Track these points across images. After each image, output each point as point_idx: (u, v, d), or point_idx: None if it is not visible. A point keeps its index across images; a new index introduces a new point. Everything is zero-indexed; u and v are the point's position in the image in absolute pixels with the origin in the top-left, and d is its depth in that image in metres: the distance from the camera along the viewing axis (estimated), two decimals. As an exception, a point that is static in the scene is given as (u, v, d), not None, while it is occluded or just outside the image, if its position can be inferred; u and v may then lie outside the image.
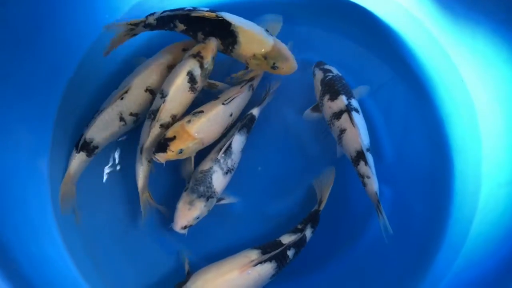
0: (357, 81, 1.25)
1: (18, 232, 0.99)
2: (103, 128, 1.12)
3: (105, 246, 1.15)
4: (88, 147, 1.11)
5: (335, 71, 1.20)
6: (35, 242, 1.04)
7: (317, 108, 1.19)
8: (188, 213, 1.06)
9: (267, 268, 1.02)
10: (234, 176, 1.16)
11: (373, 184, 1.06)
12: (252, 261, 1.01)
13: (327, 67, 1.21)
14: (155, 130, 1.09)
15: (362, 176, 1.07)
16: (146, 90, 1.14)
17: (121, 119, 1.13)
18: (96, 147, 1.13)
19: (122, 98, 1.12)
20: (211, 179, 1.08)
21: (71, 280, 1.08)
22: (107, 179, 1.20)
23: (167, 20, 1.13)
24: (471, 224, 1.13)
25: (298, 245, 1.08)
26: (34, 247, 1.02)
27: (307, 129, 1.25)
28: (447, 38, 1.24)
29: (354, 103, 1.13)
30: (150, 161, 1.11)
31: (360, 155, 1.07)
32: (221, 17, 1.08)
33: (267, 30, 1.14)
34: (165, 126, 1.10)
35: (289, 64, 1.12)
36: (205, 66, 1.09)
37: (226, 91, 1.19)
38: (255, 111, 1.19)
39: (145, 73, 1.14)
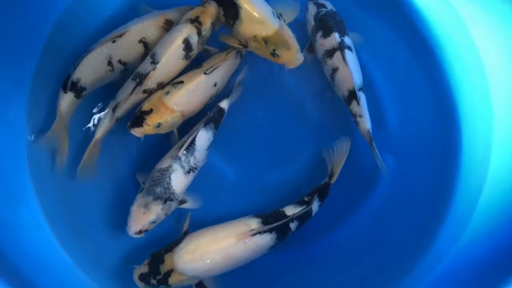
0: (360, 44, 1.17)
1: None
2: (90, 68, 1.07)
3: (85, 212, 1.10)
4: (75, 88, 1.07)
5: (329, 6, 1.17)
6: (9, 206, 0.99)
7: (312, 48, 1.15)
8: (143, 217, 0.98)
9: (266, 239, 0.97)
10: (231, 144, 1.09)
11: (366, 123, 1.06)
12: (251, 230, 0.96)
13: (321, 1, 1.17)
14: (137, 95, 1.03)
15: (354, 116, 1.07)
16: (140, 41, 1.08)
17: (109, 63, 1.07)
18: (84, 88, 1.08)
19: (114, 42, 1.06)
20: (170, 179, 0.99)
21: (48, 247, 1.03)
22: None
23: None
24: (480, 195, 1.09)
25: (302, 218, 1.02)
26: (7, 211, 0.98)
27: (310, 93, 1.20)
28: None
29: (348, 40, 1.11)
30: (118, 120, 1.06)
31: (352, 95, 1.06)
32: None
33: (280, 15, 1.04)
34: (148, 92, 1.04)
35: (291, 54, 1.00)
36: (203, 33, 1.03)
37: (210, 58, 1.11)
38: (223, 104, 1.09)
39: (145, 23, 1.09)
